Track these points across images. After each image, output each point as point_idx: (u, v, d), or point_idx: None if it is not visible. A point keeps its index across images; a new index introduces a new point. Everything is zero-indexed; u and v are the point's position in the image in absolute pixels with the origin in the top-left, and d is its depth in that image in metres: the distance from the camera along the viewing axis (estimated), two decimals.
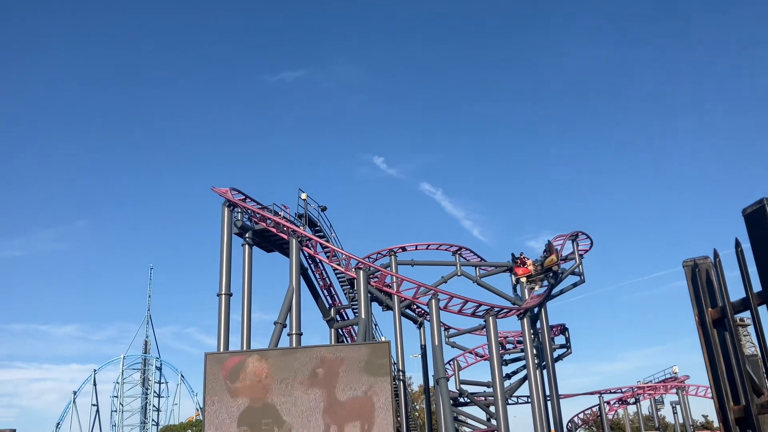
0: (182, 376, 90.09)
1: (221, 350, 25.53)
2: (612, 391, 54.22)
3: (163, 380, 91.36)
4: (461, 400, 37.58)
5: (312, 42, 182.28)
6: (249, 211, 29.38)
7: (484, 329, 32.91)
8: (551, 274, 32.70)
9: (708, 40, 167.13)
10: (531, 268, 33.07)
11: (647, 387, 55.05)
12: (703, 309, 4.25)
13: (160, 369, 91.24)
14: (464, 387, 38.14)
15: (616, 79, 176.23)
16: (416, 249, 34.83)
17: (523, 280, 33.19)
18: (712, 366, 4.24)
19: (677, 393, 54.49)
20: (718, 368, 4.32)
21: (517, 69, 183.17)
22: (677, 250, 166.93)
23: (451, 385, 34.81)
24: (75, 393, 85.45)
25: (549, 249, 33.24)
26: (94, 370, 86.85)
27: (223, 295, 27.36)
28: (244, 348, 26.22)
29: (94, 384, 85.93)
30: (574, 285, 36.67)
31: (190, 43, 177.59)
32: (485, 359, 38.56)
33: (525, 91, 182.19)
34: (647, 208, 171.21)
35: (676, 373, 56.08)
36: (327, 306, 33.12)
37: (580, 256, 36.31)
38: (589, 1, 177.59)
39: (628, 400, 55.55)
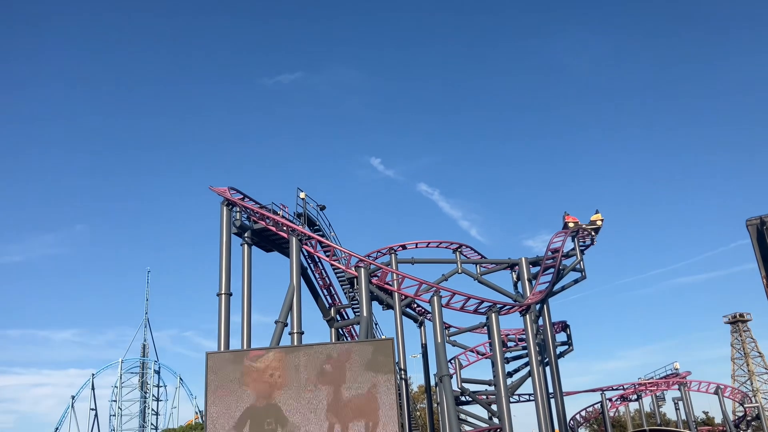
0: (181, 379, 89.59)
1: (221, 350, 25.24)
2: (614, 388, 54.01)
3: (161, 384, 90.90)
4: (463, 399, 37.28)
5: (309, 45, 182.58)
6: (248, 210, 29.11)
7: (485, 327, 32.69)
8: (595, 229, 36.20)
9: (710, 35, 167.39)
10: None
11: (649, 383, 54.82)
12: None
13: (158, 372, 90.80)
14: (466, 386, 37.83)
15: (613, 79, 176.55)
16: (416, 247, 34.58)
17: (571, 225, 36.00)
18: None
19: (679, 389, 54.22)
20: None
21: (513, 70, 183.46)
22: (676, 248, 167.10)
23: (453, 385, 34.51)
24: (73, 398, 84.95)
25: (596, 211, 37.33)
26: (92, 375, 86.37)
27: (223, 295, 27.07)
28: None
29: (92, 388, 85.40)
30: (575, 281, 36.42)
31: (188, 45, 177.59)
32: (487, 357, 38.31)
33: (520, 92, 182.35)
34: (646, 206, 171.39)
35: (677, 369, 55.83)
36: (327, 306, 32.84)
37: (581, 252, 36.08)
38: (586, 7, 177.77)
39: (630, 397, 55.35)
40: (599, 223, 36.09)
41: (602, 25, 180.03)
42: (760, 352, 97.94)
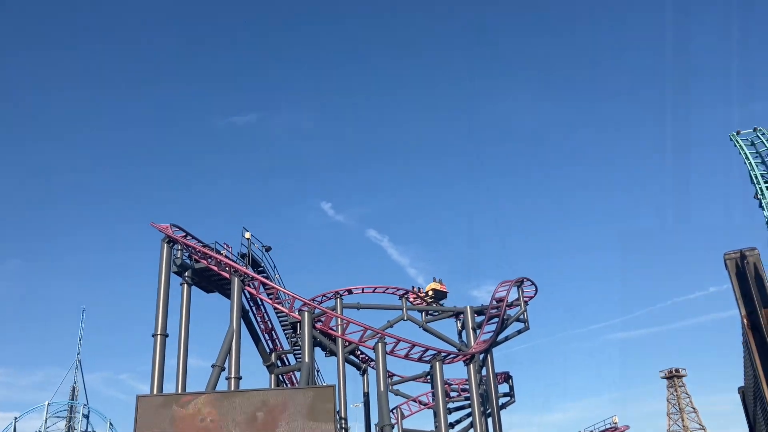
0: (111, 424, 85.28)
1: (154, 393, 24.06)
2: None
3: (90, 429, 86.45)
4: None
5: (263, 87, 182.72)
6: (190, 249, 28.28)
7: (429, 376, 32.25)
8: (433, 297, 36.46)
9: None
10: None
11: None
12: (755, 308, 3.80)
13: (87, 417, 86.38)
14: None
15: (560, 129, 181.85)
16: (362, 292, 34.19)
17: (411, 298, 36.08)
18: None
19: None
20: None
21: (462, 118, 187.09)
22: (617, 303, 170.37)
23: None
24: None
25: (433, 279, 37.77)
26: (15, 418, 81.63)
27: (159, 336, 26.00)
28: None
29: None
30: (519, 332, 36.49)
31: (140, 80, 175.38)
32: (429, 407, 37.69)
33: (470, 140, 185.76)
34: (590, 259, 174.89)
35: (616, 423, 56.05)
36: (268, 350, 31.87)
37: (525, 302, 36.25)
38: (535, 55, 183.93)
39: None
40: (431, 293, 36.19)
41: (549, 86, 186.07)
42: (694, 408, 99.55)
